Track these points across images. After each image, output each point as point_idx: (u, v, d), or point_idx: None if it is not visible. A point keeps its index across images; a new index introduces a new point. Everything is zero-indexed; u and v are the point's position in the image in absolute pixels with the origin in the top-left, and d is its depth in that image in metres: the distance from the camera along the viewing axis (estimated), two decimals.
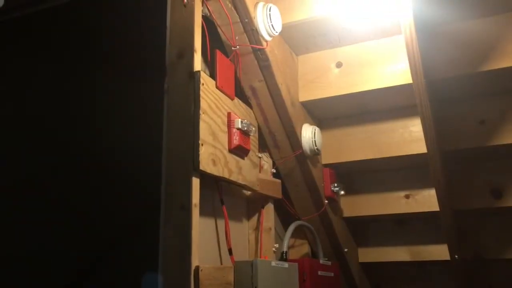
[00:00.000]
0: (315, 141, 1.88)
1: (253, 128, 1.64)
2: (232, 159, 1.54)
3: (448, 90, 1.88)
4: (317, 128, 1.93)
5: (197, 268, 1.28)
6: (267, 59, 1.65)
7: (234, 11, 1.55)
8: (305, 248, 2.15)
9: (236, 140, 1.54)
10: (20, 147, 1.94)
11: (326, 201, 2.02)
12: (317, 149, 1.89)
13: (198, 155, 1.33)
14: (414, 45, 1.55)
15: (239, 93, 1.68)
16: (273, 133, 1.83)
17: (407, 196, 2.11)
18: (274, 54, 1.71)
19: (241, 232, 1.80)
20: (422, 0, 1.56)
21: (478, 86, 1.85)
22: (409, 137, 1.98)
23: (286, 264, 1.60)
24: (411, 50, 1.55)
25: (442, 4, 1.66)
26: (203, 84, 1.40)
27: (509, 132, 1.84)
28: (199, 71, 1.39)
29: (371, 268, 2.33)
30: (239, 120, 1.56)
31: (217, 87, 1.49)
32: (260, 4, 1.60)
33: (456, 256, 2.00)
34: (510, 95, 1.86)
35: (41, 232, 1.82)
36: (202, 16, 1.48)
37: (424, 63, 1.63)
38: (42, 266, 1.82)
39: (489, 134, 1.86)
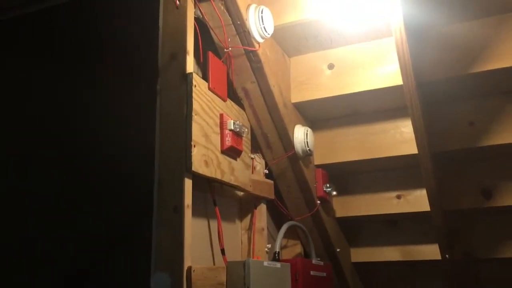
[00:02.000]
0: (307, 142, 1.90)
1: (246, 129, 1.66)
2: (225, 160, 1.55)
3: (438, 91, 1.90)
4: (309, 129, 1.95)
5: (189, 268, 1.29)
6: (259, 61, 1.67)
7: (226, 13, 1.56)
8: (298, 248, 2.16)
9: (228, 141, 1.55)
10: (12, 149, 1.94)
11: (319, 202, 2.03)
12: (309, 150, 1.91)
13: (190, 157, 1.34)
14: (404, 47, 1.57)
15: (232, 94, 1.69)
16: (266, 134, 1.84)
17: (398, 197, 2.13)
18: (266, 56, 1.73)
19: (234, 232, 1.81)
20: (412, 3, 1.57)
21: (468, 88, 1.87)
22: (400, 138, 1.99)
23: (278, 264, 1.61)
24: (401, 52, 1.57)
25: (432, 7, 1.68)
26: (195, 85, 1.41)
27: (498, 133, 1.86)
28: (191, 73, 1.40)
29: (363, 268, 2.35)
30: (232, 121, 1.57)
31: (209, 89, 1.50)
32: (252, 7, 1.61)
33: (447, 256, 2.02)
34: (499, 97, 1.88)
35: (36, 235, 1.82)
36: (195, 18, 1.49)
37: (414, 65, 1.65)
38: (38, 270, 1.82)
39: (479, 135, 1.88)
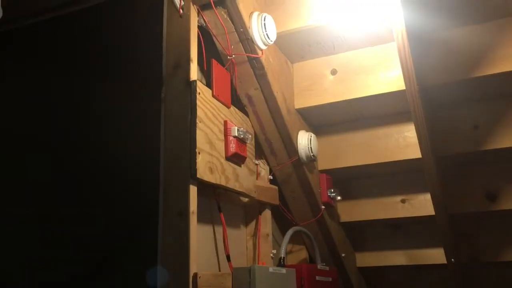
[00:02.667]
0: (311, 147, 1.90)
1: (250, 136, 1.67)
2: (229, 166, 1.56)
3: (441, 96, 1.90)
4: (313, 135, 1.96)
5: (195, 275, 1.30)
6: (262, 68, 1.68)
7: (230, 21, 1.58)
8: (303, 254, 2.16)
9: (232, 148, 1.56)
10: (18, 153, 1.96)
11: (323, 207, 2.03)
12: (313, 155, 1.91)
13: (195, 164, 1.36)
14: (407, 52, 1.57)
15: (235, 101, 1.70)
16: (270, 140, 1.85)
17: (403, 201, 2.13)
18: (269, 63, 1.74)
19: (239, 238, 1.82)
20: (413, 8, 1.58)
21: (471, 92, 1.87)
22: (403, 142, 2.00)
23: (284, 270, 1.62)
24: (404, 56, 1.58)
25: (432, 12, 1.68)
26: (199, 93, 1.42)
27: (502, 136, 1.86)
28: (195, 81, 1.42)
29: (368, 272, 2.35)
30: (236, 128, 1.58)
31: (213, 96, 1.52)
32: (255, 14, 1.62)
33: (453, 260, 2.01)
34: (503, 100, 1.88)
35: (37, 240, 1.84)
36: (198, 26, 1.51)
37: (417, 69, 1.65)
38: (36, 275, 1.83)
39: (483, 138, 1.88)
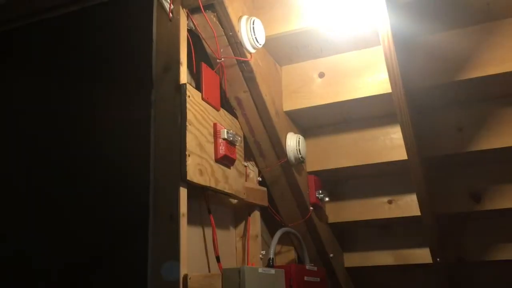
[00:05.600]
0: (299, 149, 1.93)
1: (239, 138, 1.68)
2: (219, 168, 1.58)
3: (427, 98, 1.93)
4: (301, 137, 1.98)
5: (185, 276, 1.31)
6: (251, 71, 1.69)
7: (219, 25, 1.59)
8: (292, 254, 2.18)
9: (222, 150, 1.58)
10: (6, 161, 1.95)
11: (311, 208, 2.06)
12: (301, 157, 1.94)
13: (185, 166, 1.37)
14: (393, 55, 1.60)
15: (225, 104, 1.72)
16: (259, 143, 1.87)
17: (390, 202, 2.16)
18: (258, 66, 1.76)
19: (228, 240, 1.83)
20: (399, 12, 1.61)
21: (456, 95, 1.91)
22: (390, 144, 2.03)
23: (273, 271, 1.64)
24: (390, 60, 1.61)
25: (419, 16, 1.72)
26: (189, 96, 1.44)
27: (486, 138, 1.90)
28: (185, 84, 1.43)
29: (356, 272, 2.37)
30: (225, 130, 1.60)
31: (203, 99, 1.53)
32: (244, 18, 1.64)
33: (438, 259, 2.05)
34: (486, 103, 1.92)
35: (27, 244, 1.83)
36: (188, 29, 1.52)
37: (402, 72, 1.68)
38: (29, 278, 1.82)
39: (467, 140, 1.92)
